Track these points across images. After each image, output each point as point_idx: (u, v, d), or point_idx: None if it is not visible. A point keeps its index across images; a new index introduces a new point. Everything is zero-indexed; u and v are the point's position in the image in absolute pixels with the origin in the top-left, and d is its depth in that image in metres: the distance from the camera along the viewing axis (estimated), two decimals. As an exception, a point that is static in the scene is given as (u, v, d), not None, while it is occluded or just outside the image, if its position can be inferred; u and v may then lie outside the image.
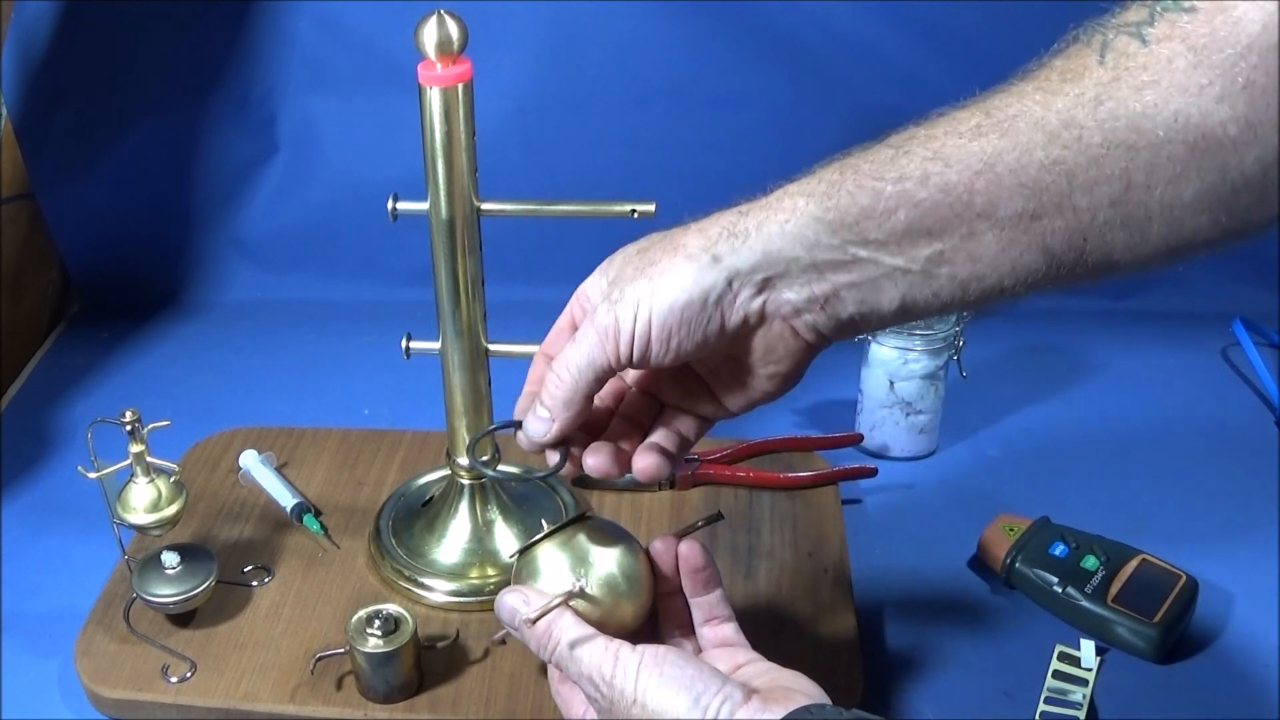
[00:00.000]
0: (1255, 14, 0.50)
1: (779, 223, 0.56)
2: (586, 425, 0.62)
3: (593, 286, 0.62)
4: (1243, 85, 0.50)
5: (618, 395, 0.64)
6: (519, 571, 0.63)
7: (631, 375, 0.64)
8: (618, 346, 0.57)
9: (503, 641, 0.66)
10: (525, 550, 0.63)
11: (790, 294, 0.57)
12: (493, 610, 0.79)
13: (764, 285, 0.56)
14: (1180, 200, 0.53)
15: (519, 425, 0.62)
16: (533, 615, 0.59)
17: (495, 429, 0.70)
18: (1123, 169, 0.52)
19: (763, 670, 0.60)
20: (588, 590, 0.61)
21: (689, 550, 0.63)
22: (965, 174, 0.54)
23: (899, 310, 0.57)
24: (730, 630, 0.63)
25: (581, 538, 0.62)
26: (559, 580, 0.61)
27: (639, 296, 0.56)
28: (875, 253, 0.55)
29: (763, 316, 0.57)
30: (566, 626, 0.59)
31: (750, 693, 0.56)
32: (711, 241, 0.56)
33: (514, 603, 0.61)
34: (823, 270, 0.56)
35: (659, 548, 0.63)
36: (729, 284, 0.56)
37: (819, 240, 0.55)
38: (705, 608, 0.64)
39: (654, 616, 0.65)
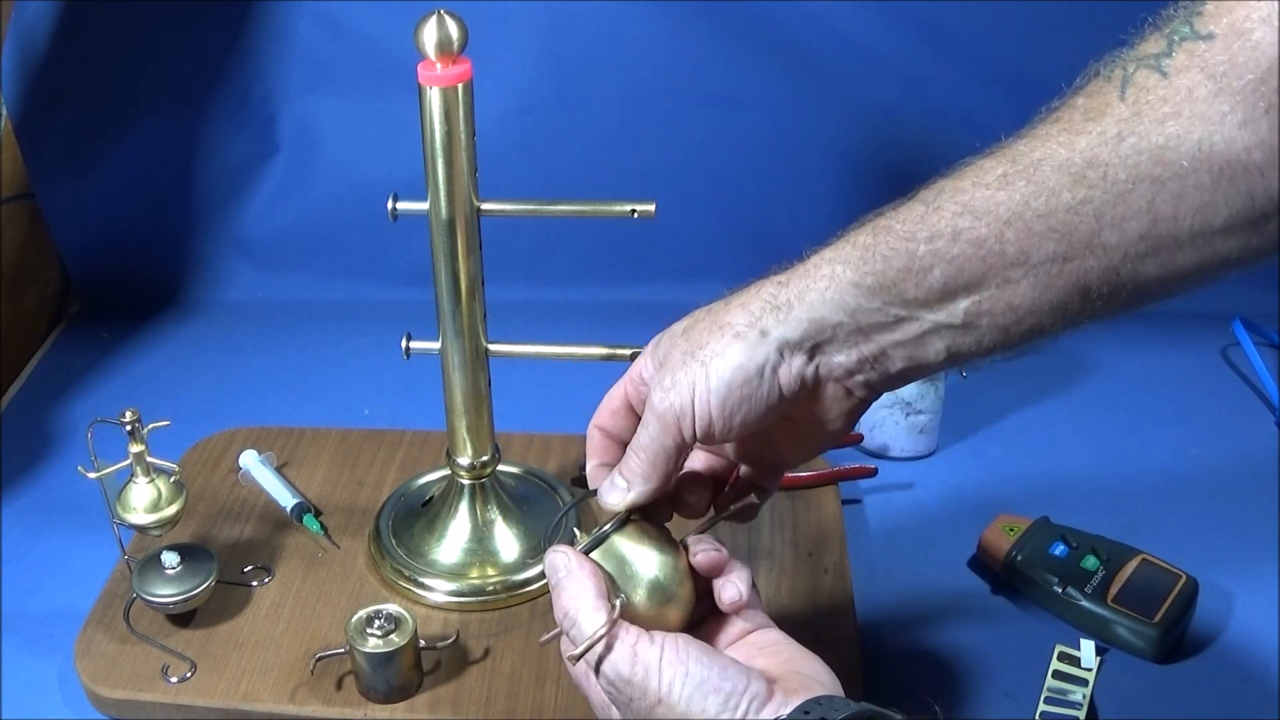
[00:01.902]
0: (1273, 37, 0.50)
1: (819, 290, 0.57)
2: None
3: (645, 367, 0.63)
4: (1265, 109, 0.50)
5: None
6: None
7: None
8: (680, 430, 0.58)
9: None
10: None
11: (840, 357, 0.58)
12: (493, 610, 0.81)
13: (814, 352, 0.58)
14: (1211, 227, 0.53)
15: (593, 493, 0.62)
16: (575, 654, 0.57)
17: (577, 503, 0.71)
18: (1149, 202, 0.53)
19: (773, 641, 0.60)
20: (633, 601, 0.59)
21: (732, 595, 0.61)
22: (995, 225, 0.54)
23: (946, 360, 0.58)
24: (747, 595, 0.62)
25: (621, 545, 0.60)
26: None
27: (693, 380, 0.57)
28: (915, 311, 0.56)
29: (817, 381, 0.58)
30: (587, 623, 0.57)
31: (771, 687, 0.55)
32: (756, 317, 0.57)
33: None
34: (868, 332, 0.57)
35: (697, 556, 0.61)
36: (780, 354, 0.57)
37: (860, 305, 0.56)
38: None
39: None
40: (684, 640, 0.56)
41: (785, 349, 0.57)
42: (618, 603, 0.57)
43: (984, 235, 0.54)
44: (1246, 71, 0.51)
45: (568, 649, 0.59)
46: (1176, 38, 0.53)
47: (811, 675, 0.57)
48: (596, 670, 0.57)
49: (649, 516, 0.62)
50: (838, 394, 0.59)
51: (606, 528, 0.60)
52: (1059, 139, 0.54)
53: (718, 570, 0.60)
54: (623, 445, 0.62)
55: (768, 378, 0.57)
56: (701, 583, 0.62)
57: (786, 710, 0.53)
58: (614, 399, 0.65)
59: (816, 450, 0.63)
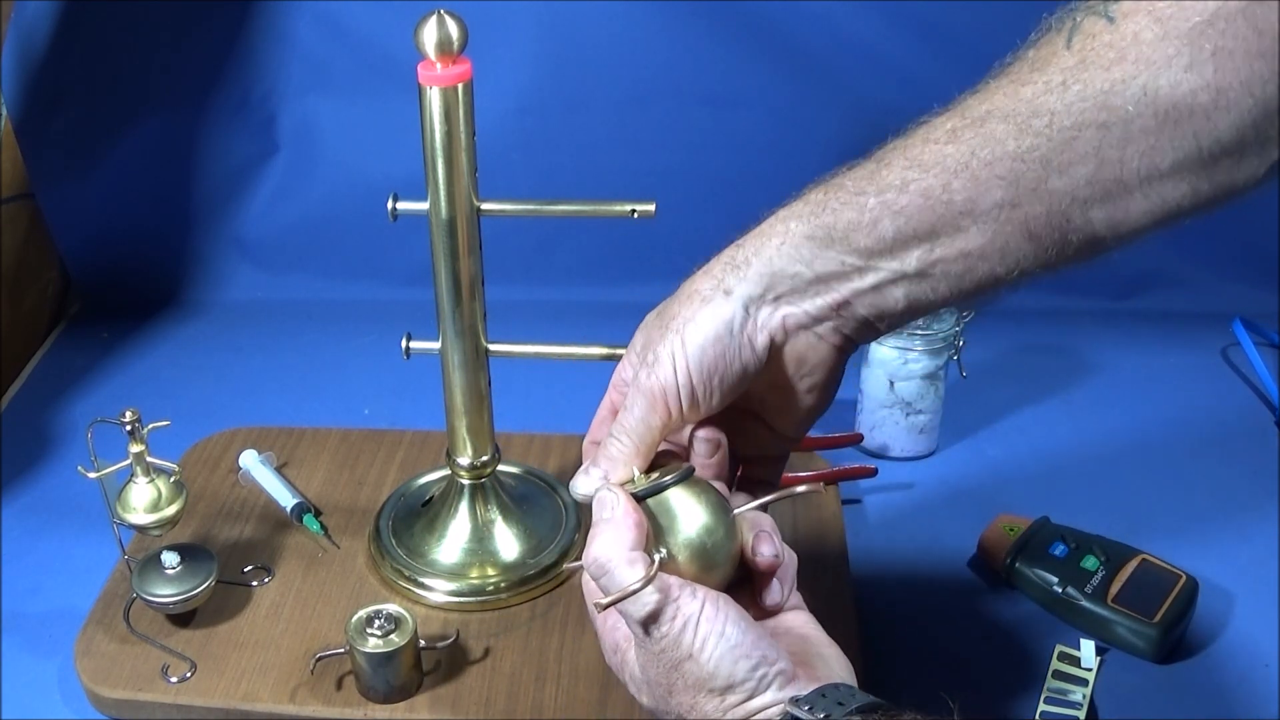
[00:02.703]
0: None
1: (775, 245, 0.58)
2: None
3: (624, 370, 0.63)
4: (1211, 52, 0.51)
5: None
6: None
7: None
8: (667, 405, 0.59)
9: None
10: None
11: (805, 305, 0.59)
12: (493, 610, 0.81)
13: (777, 303, 0.59)
14: (1158, 172, 0.53)
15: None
16: (604, 603, 0.55)
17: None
18: (1095, 148, 0.53)
19: (803, 624, 0.60)
20: (674, 559, 0.57)
21: (774, 600, 0.60)
22: (943, 176, 0.55)
23: (906, 309, 0.59)
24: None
25: (675, 500, 0.58)
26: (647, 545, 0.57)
27: (672, 351, 0.58)
28: (869, 260, 0.57)
29: (785, 331, 0.59)
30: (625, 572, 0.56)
31: (796, 670, 0.55)
32: (718, 279, 0.59)
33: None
34: (827, 281, 0.58)
35: (757, 557, 0.60)
36: (746, 309, 0.58)
37: (815, 255, 0.58)
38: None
39: None
40: (725, 601, 0.56)
41: (750, 304, 0.58)
42: (657, 558, 0.56)
43: (931, 186, 0.55)
44: (1193, 14, 0.51)
45: (594, 595, 0.57)
46: None
47: (835, 668, 0.58)
48: (644, 626, 0.55)
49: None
50: (811, 342, 0.60)
51: (667, 479, 0.58)
52: (1005, 90, 0.55)
53: (772, 571, 0.60)
54: None
55: (737, 334, 0.58)
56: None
57: (806, 691, 0.54)
58: (601, 410, 0.65)
59: (805, 417, 0.63)
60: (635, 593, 0.54)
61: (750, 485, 0.66)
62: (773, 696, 0.54)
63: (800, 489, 0.62)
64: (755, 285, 0.58)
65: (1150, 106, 0.52)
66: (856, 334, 0.60)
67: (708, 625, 0.54)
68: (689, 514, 0.58)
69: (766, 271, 0.58)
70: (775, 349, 0.60)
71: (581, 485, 0.61)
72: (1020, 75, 0.55)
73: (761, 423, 0.64)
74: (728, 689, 0.54)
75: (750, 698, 0.54)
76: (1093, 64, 0.53)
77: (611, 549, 0.56)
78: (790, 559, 0.61)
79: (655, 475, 0.59)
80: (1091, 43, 0.53)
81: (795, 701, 0.53)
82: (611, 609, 0.57)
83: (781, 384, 0.61)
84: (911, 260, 0.57)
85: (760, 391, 0.62)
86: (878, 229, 0.56)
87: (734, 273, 0.58)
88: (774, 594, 0.60)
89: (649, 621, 0.55)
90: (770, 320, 0.59)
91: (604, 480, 0.60)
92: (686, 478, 0.59)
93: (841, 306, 0.59)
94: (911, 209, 0.56)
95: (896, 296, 0.58)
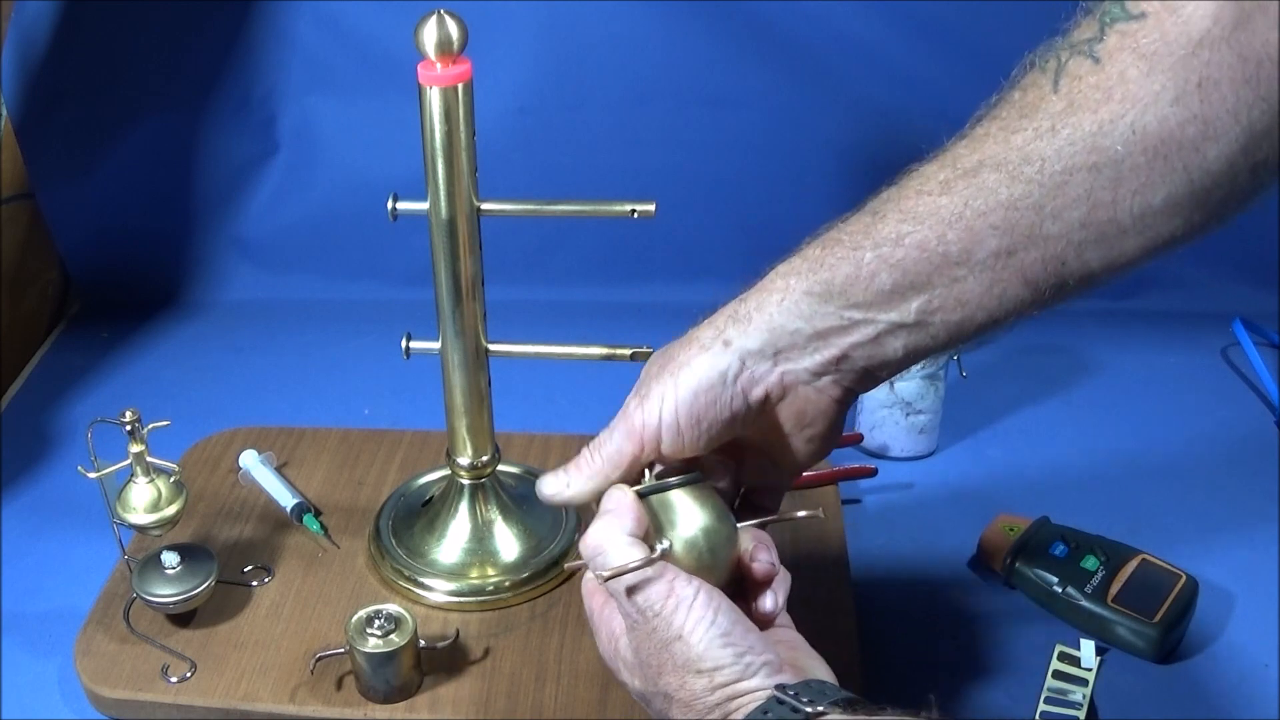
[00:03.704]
0: (1204, 9, 0.51)
1: (775, 302, 0.59)
2: None
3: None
4: (1197, 83, 0.51)
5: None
6: None
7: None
8: (643, 440, 0.60)
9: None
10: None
11: (805, 362, 0.59)
12: (492, 610, 0.81)
13: (776, 359, 0.59)
14: (1151, 208, 0.53)
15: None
16: (607, 574, 0.57)
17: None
18: (1087, 190, 0.53)
19: (789, 639, 0.61)
20: (674, 551, 0.59)
21: (769, 608, 0.61)
22: (938, 227, 0.56)
23: (905, 357, 0.59)
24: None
25: (678, 502, 0.60)
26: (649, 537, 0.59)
27: (663, 391, 0.59)
28: (868, 313, 0.58)
29: (783, 388, 0.60)
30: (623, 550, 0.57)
31: (783, 665, 0.56)
32: (720, 330, 0.60)
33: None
34: (826, 336, 0.59)
35: (754, 564, 0.61)
36: (742, 363, 0.59)
37: (815, 311, 0.58)
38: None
39: None
40: (718, 594, 0.57)
41: (747, 358, 0.59)
42: (660, 547, 0.58)
43: (926, 238, 0.56)
44: (1178, 47, 0.51)
45: (595, 578, 0.59)
46: (1108, 19, 0.53)
47: (820, 673, 0.58)
48: (635, 597, 0.57)
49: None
50: (810, 395, 0.60)
51: (671, 480, 0.60)
52: (996, 138, 0.56)
53: (768, 581, 0.61)
54: None
55: (730, 384, 0.59)
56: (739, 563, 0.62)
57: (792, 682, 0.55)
58: None
59: (807, 463, 0.64)
60: (637, 568, 0.56)
61: (751, 510, 0.66)
62: (759, 682, 0.55)
63: (800, 514, 0.63)
64: (755, 340, 0.59)
65: (1139, 144, 0.52)
66: (856, 384, 0.61)
67: (700, 610, 0.56)
68: (691, 514, 0.60)
69: (767, 327, 0.59)
70: (770, 404, 0.60)
71: (546, 486, 0.63)
72: (1009, 121, 0.56)
73: (766, 456, 0.64)
74: (715, 671, 0.55)
75: (737, 681, 0.55)
76: (1080, 106, 0.53)
77: (608, 533, 0.58)
78: (785, 574, 0.62)
79: (664, 478, 0.61)
80: (1078, 84, 0.54)
81: (781, 688, 0.54)
82: (608, 597, 0.59)
83: (781, 434, 0.62)
84: (910, 311, 0.57)
85: (759, 436, 0.62)
86: (875, 282, 0.57)
87: (735, 325, 0.59)
88: (768, 603, 0.61)
89: (638, 591, 0.56)
90: (768, 377, 0.59)
91: (566, 487, 0.62)
92: (693, 482, 0.60)
93: (840, 360, 0.59)
94: (908, 262, 0.56)
95: (895, 347, 0.59)
